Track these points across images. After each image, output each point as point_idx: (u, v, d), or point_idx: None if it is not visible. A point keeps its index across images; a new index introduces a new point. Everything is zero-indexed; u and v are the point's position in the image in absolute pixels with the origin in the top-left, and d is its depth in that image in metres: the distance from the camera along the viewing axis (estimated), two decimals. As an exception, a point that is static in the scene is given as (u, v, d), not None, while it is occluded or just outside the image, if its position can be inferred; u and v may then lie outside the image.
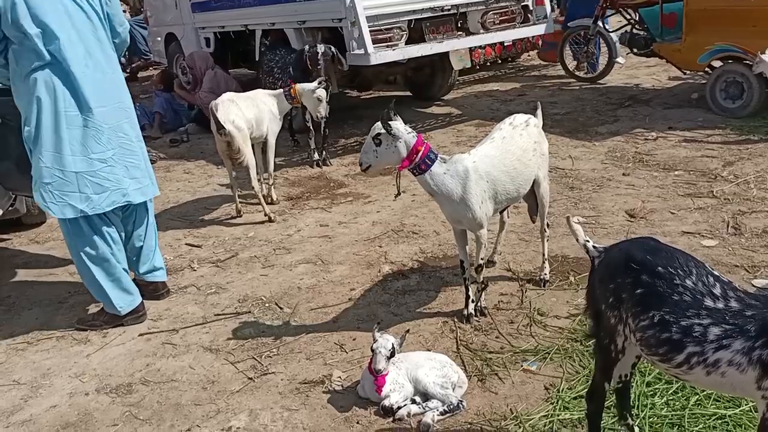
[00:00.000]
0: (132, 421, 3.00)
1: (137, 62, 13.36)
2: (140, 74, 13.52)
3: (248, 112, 5.22)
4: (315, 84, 5.43)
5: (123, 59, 13.57)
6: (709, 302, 1.91)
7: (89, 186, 3.62)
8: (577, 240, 2.40)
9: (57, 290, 4.40)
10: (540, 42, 9.00)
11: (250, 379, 3.24)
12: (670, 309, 1.95)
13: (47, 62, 3.47)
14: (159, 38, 10.71)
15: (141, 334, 3.76)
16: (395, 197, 3.65)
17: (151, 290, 4.14)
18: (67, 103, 3.53)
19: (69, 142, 3.55)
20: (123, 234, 3.99)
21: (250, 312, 3.89)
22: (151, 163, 7.27)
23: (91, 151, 3.62)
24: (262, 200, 5.33)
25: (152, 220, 4.15)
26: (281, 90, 5.54)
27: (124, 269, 3.88)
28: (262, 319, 3.81)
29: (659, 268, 2.01)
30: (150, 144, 8.00)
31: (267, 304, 3.97)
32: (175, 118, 8.75)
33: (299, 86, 5.44)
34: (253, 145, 5.30)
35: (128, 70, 13.47)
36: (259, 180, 5.44)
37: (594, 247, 2.30)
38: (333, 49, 6.17)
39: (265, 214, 5.28)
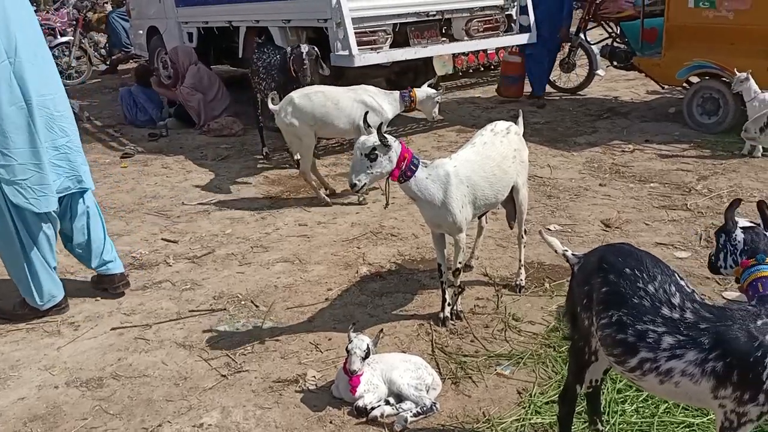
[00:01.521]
0: (102, 416, 2.96)
1: (118, 54, 13.20)
2: (120, 67, 13.36)
3: (317, 109, 5.32)
4: (434, 90, 5.53)
5: (104, 51, 13.46)
6: (665, 311, 1.96)
7: (54, 173, 3.65)
8: (555, 251, 2.45)
9: (28, 281, 4.32)
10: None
11: (224, 376, 3.22)
12: (628, 311, 2.01)
13: (5, 58, 3.41)
14: (141, 31, 10.60)
15: (113, 329, 3.71)
16: (385, 207, 3.65)
17: (108, 282, 4.08)
18: (28, 95, 3.49)
19: (39, 134, 3.54)
20: (64, 229, 3.94)
21: (225, 309, 3.86)
22: (129, 157, 7.22)
23: (51, 139, 3.65)
24: (316, 189, 5.54)
25: (95, 211, 4.04)
26: (399, 92, 5.54)
27: (53, 265, 3.83)
28: (237, 316, 3.78)
29: (626, 270, 2.06)
30: (128, 137, 7.95)
31: (243, 302, 3.94)
32: (139, 114, 8.55)
33: (419, 91, 5.48)
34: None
35: (108, 62, 13.32)
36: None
37: (574, 255, 2.35)
38: (316, 49, 6.17)
39: (320, 198, 5.49)
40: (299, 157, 5.55)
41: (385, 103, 5.45)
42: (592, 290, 2.16)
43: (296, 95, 5.41)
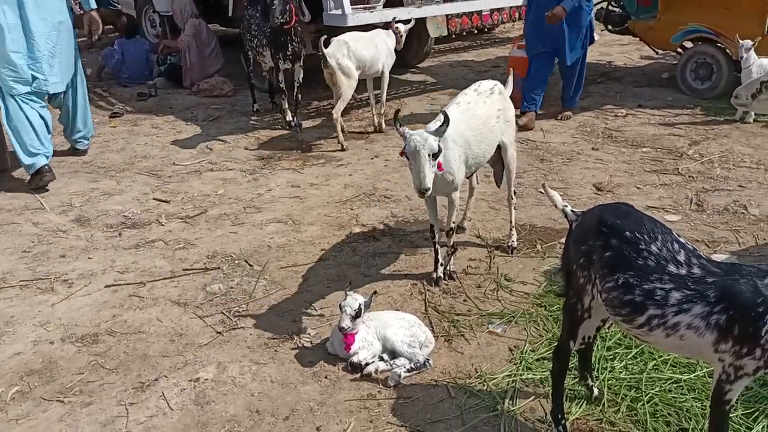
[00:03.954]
0: (98, 370, 2.99)
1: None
2: (106, 26, 13.08)
3: (365, 52, 5.83)
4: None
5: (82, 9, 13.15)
6: (672, 268, 1.99)
7: (33, 72, 5.02)
8: (556, 205, 2.47)
9: (20, 239, 4.30)
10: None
11: (219, 333, 3.24)
12: (634, 273, 2.04)
13: None
14: (128, -12, 10.32)
15: (107, 286, 3.71)
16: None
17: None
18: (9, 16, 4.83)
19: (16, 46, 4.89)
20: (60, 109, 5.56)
21: (219, 268, 3.87)
22: (118, 116, 7.11)
23: (28, 51, 4.97)
24: (340, 132, 5.84)
25: (81, 99, 5.62)
26: (392, 30, 6.25)
27: (40, 142, 5.07)
28: (231, 275, 3.80)
29: (627, 233, 2.08)
30: (116, 97, 7.83)
31: (236, 261, 3.95)
32: (123, 70, 8.44)
33: (401, 26, 6.29)
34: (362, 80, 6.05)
35: (94, 21, 13.04)
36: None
37: (572, 211, 2.38)
38: None
39: (339, 142, 5.85)
40: (338, 100, 5.71)
41: (391, 42, 6.16)
42: (590, 251, 2.18)
43: (349, 39, 5.75)
